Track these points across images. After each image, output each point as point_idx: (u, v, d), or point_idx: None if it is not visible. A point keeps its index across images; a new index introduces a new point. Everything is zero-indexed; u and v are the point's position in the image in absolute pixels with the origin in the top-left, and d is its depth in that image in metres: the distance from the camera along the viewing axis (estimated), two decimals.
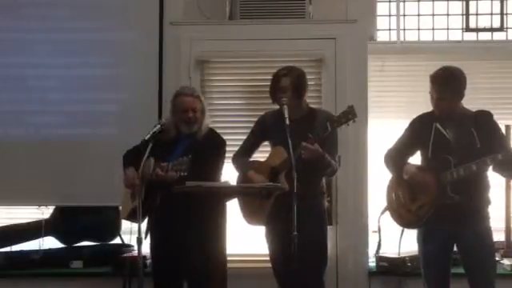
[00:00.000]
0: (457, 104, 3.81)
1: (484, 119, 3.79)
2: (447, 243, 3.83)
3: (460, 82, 3.78)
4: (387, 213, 4.06)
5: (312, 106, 4.21)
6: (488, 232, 3.80)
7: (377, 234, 5.02)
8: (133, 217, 3.89)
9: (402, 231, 4.00)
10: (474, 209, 3.75)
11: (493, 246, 3.86)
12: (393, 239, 5.09)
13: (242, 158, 4.14)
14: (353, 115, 3.64)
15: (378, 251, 4.53)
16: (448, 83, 3.75)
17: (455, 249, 3.87)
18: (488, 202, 3.81)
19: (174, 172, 3.70)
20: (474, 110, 3.86)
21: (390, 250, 4.96)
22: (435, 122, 3.81)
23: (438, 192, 3.72)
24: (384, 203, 4.06)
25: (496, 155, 3.59)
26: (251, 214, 3.97)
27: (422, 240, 3.87)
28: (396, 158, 3.95)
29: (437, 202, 3.73)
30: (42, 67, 5.13)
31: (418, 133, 3.89)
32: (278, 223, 3.79)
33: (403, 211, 3.89)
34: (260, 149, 4.21)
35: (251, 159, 4.15)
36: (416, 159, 3.99)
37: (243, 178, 4.05)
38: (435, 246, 3.80)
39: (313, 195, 3.89)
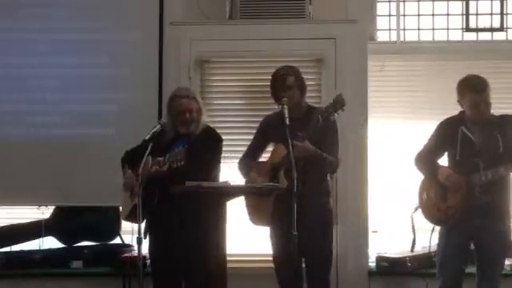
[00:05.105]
0: None
1: (507, 123, 3.92)
2: (468, 237, 3.95)
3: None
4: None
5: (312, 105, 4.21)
6: (508, 229, 3.94)
7: (376, 235, 5.04)
8: (132, 217, 3.89)
9: (433, 229, 4.10)
10: (498, 206, 3.89)
11: (508, 243, 3.96)
12: (391, 239, 5.12)
13: (246, 161, 4.15)
14: (341, 104, 3.68)
15: (412, 249, 4.49)
16: (486, 90, 3.89)
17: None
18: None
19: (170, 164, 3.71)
20: (498, 115, 3.98)
21: (390, 250, 4.97)
22: (461, 125, 3.94)
23: (467, 193, 3.85)
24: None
25: None
26: (255, 214, 3.99)
27: (446, 232, 3.99)
28: (427, 159, 4.06)
29: (466, 202, 3.86)
30: (41, 67, 5.13)
31: (445, 136, 4.02)
32: (282, 223, 3.79)
33: (434, 210, 4.01)
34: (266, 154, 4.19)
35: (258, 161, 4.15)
36: (443, 161, 4.08)
37: (247, 181, 4.06)
38: (457, 239, 3.93)
39: (316, 194, 3.90)
